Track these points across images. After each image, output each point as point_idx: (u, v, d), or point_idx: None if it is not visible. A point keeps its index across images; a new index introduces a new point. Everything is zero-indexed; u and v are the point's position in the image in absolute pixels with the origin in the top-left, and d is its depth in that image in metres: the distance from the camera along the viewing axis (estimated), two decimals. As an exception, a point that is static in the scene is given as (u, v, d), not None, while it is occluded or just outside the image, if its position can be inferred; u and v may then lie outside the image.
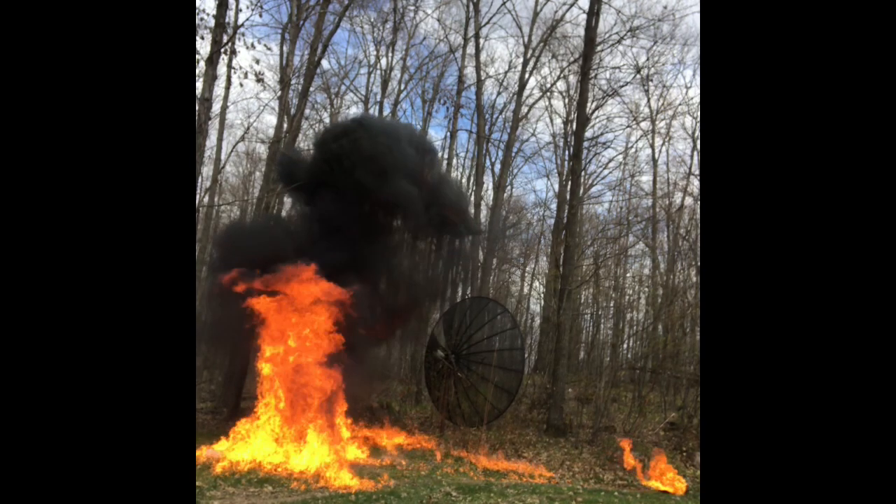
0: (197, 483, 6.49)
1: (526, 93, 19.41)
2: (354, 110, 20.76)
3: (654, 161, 22.77)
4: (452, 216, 12.37)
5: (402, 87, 20.46)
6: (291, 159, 12.09)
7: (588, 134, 18.07)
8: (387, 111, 19.06)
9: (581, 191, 16.64)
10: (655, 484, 8.44)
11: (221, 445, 8.35)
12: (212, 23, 8.25)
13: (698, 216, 15.05)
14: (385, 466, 8.57)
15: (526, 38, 19.05)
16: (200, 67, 8.08)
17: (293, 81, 14.44)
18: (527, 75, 18.51)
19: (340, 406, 9.40)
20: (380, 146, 10.85)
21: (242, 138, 18.59)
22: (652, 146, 22.88)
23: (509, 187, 24.76)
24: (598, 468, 9.45)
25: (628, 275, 23.55)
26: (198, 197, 14.72)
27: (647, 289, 21.75)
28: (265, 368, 8.89)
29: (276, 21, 26.75)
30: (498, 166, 20.82)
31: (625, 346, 20.54)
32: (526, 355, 15.48)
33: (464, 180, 21.73)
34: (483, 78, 19.02)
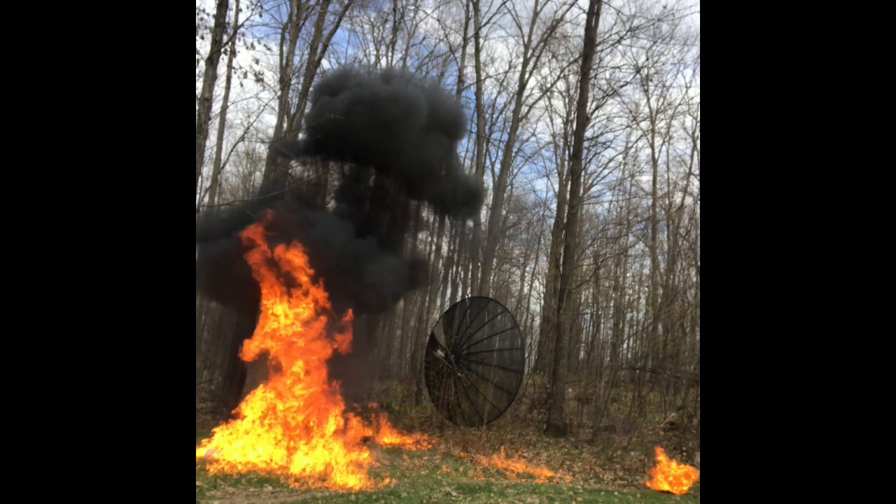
0: (197, 483, 6.48)
1: (526, 93, 19.44)
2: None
3: (654, 161, 22.81)
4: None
5: (402, 87, 20.43)
6: (284, 152, 11.97)
7: (588, 134, 18.06)
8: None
9: (581, 191, 16.62)
10: (663, 485, 8.35)
11: (221, 444, 8.34)
12: (212, 23, 8.24)
13: (698, 216, 15.05)
14: (385, 466, 8.57)
15: (526, 38, 19.09)
16: (200, 67, 8.07)
17: (293, 81, 14.45)
18: (527, 75, 18.54)
19: (340, 405, 9.40)
20: (382, 142, 10.54)
21: (242, 138, 18.60)
22: (652, 146, 22.91)
23: (509, 187, 24.78)
24: (598, 468, 9.45)
25: (628, 275, 23.56)
26: (198, 197, 14.72)
27: (647, 289, 21.75)
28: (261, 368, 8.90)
29: (276, 21, 26.82)
30: (498, 166, 20.85)
31: (625, 346, 20.54)
32: (526, 355, 15.49)
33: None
34: (483, 78, 19.06)
